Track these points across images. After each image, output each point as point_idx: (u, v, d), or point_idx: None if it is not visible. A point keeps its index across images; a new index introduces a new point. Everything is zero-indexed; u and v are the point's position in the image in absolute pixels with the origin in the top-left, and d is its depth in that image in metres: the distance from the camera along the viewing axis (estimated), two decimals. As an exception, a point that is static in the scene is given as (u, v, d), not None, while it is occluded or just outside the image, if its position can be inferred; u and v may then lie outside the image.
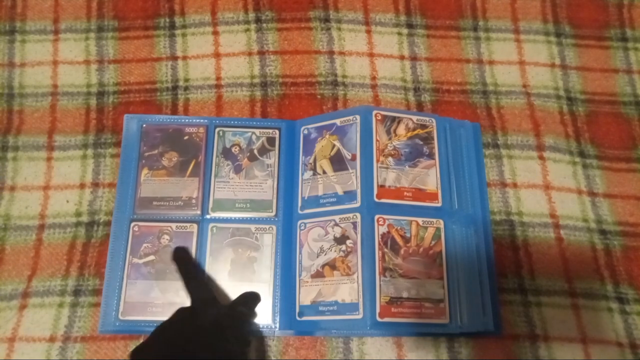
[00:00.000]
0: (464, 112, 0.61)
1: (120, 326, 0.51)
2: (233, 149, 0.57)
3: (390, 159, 0.54)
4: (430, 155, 0.55)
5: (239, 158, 0.57)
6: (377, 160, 0.53)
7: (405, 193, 0.53)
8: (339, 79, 0.62)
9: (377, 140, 0.54)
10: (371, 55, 0.63)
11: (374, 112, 0.55)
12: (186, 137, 0.57)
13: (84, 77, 0.61)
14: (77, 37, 0.63)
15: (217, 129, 0.57)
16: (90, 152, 0.58)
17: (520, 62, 0.64)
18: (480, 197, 0.56)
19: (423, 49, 0.64)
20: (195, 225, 0.54)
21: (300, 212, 0.54)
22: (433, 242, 0.51)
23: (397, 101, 0.61)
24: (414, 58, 0.63)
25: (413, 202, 0.53)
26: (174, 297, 0.52)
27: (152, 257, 0.53)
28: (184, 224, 0.54)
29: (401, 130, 0.55)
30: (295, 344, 0.52)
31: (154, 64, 0.62)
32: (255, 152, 0.57)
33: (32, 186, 0.56)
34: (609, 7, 0.67)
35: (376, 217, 0.51)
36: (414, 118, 0.56)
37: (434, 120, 0.56)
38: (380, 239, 0.50)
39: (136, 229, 0.54)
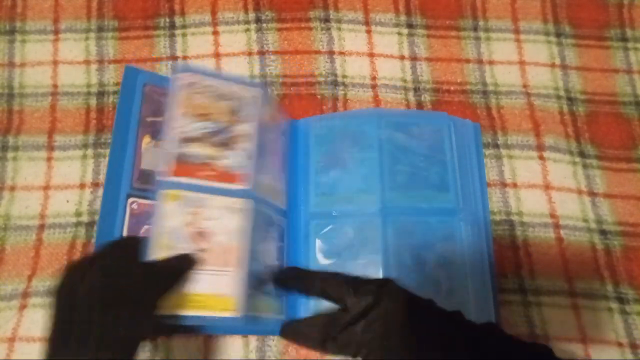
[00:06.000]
0: (464, 112, 0.61)
1: None
2: None
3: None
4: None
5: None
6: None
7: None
8: (339, 79, 0.62)
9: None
10: (371, 55, 0.63)
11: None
12: None
13: (84, 77, 0.61)
14: (77, 37, 0.63)
15: None
16: (90, 152, 0.58)
17: (520, 62, 0.64)
18: (481, 197, 0.56)
19: (423, 49, 0.64)
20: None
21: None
22: None
23: (397, 101, 0.61)
24: (414, 58, 0.63)
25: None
26: None
27: None
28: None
29: None
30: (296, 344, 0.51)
31: (154, 64, 0.62)
32: None
33: (32, 186, 0.56)
34: (609, 7, 0.67)
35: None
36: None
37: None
38: None
39: (135, 206, 0.45)
